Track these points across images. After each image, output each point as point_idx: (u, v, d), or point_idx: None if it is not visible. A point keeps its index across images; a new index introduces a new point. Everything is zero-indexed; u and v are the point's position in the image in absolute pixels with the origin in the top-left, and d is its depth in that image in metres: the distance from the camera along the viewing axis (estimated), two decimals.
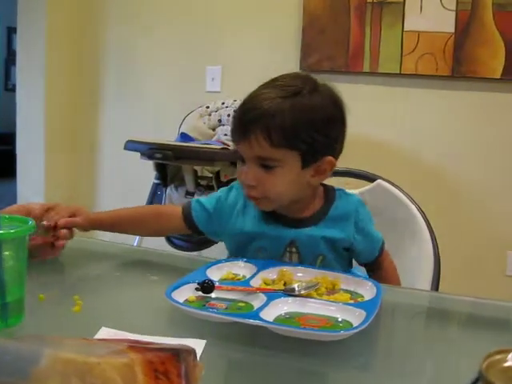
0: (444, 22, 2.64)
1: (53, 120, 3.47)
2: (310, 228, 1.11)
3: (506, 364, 0.37)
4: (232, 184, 1.22)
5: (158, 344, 0.49)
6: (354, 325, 0.77)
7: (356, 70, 2.83)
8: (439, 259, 1.35)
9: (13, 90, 7.46)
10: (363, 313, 0.79)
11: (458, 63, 2.63)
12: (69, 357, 0.41)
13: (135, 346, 0.46)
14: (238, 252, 1.16)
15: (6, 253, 0.75)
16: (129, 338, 0.71)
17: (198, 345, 0.71)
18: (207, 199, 1.20)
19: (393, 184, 1.47)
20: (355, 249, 1.14)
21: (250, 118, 1.04)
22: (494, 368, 0.37)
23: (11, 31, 8.10)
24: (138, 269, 1.12)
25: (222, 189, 1.22)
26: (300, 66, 2.92)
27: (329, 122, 1.06)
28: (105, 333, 0.76)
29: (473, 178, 2.68)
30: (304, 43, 2.91)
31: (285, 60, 2.97)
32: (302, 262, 1.10)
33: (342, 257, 1.15)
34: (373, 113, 2.75)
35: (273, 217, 1.13)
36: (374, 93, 2.81)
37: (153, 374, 0.40)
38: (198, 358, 0.52)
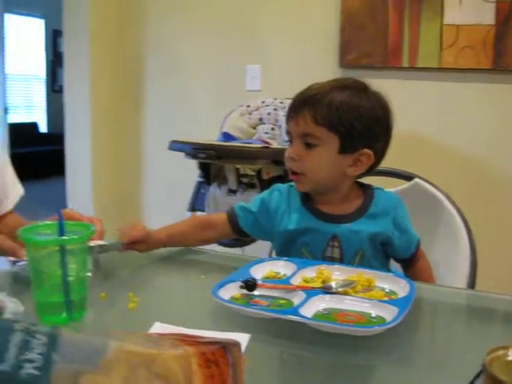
0: (484, 15, 2.61)
1: (98, 121, 3.56)
2: (351, 223, 1.19)
3: (508, 358, 0.43)
4: (273, 186, 1.30)
5: (207, 338, 0.55)
6: (388, 320, 0.83)
7: (395, 65, 2.83)
8: (476, 258, 1.37)
9: (60, 91, 7.71)
10: (396, 309, 0.85)
11: (499, 56, 2.59)
12: (133, 348, 0.49)
13: (188, 340, 0.53)
14: (283, 249, 1.24)
15: (70, 256, 0.83)
16: (179, 332, 0.78)
17: (243, 339, 0.78)
18: (251, 203, 1.29)
19: (430, 183, 1.50)
20: (392, 244, 1.21)
21: (302, 99, 1.18)
22: (498, 361, 0.43)
23: (57, 34, 8.33)
24: (186, 268, 1.20)
25: (264, 192, 1.30)
26: (339, 63, 2.93)
27: (373, 118, 1.16)
28: (158, 327, 0.84)
29: None
30: (342, 40, 2.91)
31: (323, 57, 2.98)
32: (342, 257, 1.17)
33: (380, 252, 1.22)
34: (412, 109, 2.75)
35: (316, 214, 1.20)
36: (413, 88, 2.80)
37: (205, 363, 0.47)
38: (242, 350, 0.58)
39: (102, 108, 3.58)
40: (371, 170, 1.23)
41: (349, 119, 1.14)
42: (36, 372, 0.41)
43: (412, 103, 2.76)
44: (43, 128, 8.74)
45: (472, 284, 1.35)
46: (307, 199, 1.23)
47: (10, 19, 7.67)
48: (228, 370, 0.48)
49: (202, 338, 0.55)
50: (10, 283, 1.01)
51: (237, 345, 0.54)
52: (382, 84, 2.90)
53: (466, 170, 2.73)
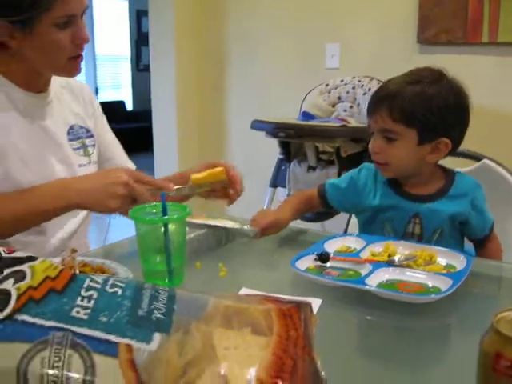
0: None
1: (184, 99, 3.66)
2: (433, 203, 1.29)
3: (510, 318, 0.54)
4: (362, 165, 1.43)
5: (285, 298, 0.70)
6: (442, 290, 0.95)
7: (475, 41, 2.81)
8: None
9: (144, 69, 7.97)
10: (451, 281, 0.96)
11: None
12: (227, 303, 0.64)
13: (269, 299, 0.67)
14: (367, 223, 1.38)
15: (171, 231, 1.00)
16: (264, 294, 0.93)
17: (316, 302, 0.92)
18: (340, 179, 1.44)
19: (499, 164, 1.55)
20: (470, 224, 1.31)
21: (378, 97, 1.28)
22: (504, 320, 0.54)
23: (141, 14, 8.57)
24: (269, 242, 1.33)
25: (353, 170, 1.43)
26: (417, 39, 2.93)
27: (446, 108, 1.24)
28: (245, 291, 0.99)
29: None
30: (421, 16, 2.90)
31: (402, 34, 2.98)
32: (422, 234, 1.29)
33: (457, 231, 1.32)
34: (492, 84, 2.73)
35: (400, 193, 1.33)
36: (493, 64, 2.77)
37: (282, 316, 0.61)
38: (314, 311, 0.72)
39: (186, 86, 3.68)
40: (450, 154, 1.32)
41: (423, 113, 1.23)
42: (162, 317, 0.58)
43: (492, 80, 2.73)
44: (129, 106, 9.08)
45: None
46: (392, 179, 1.34)
47: (96, 2, 7.94)
48: (300, 323, 0.62)
49: (280, 298, 0.69)
50: (121, 253, 1.18)
51: (308, 305, 0.68)
52: (462, 60, 2.89)
53: None
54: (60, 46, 1.21)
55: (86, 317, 0.56)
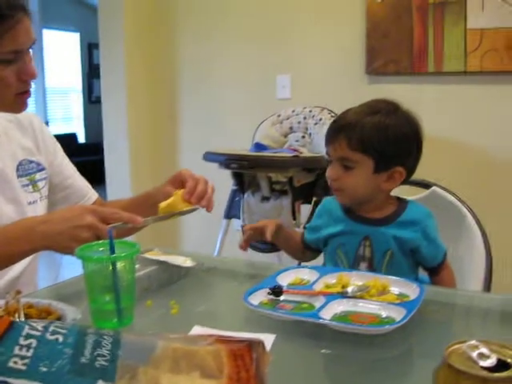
0: (507, 18, 2.63)
1: (136, 130, 3.65)
2: (383, 227, 1.32)
3: (461, 351, 0.54)
4: (323, 200, 1.48)
5: (236, 337, 0.68)
6: (396, 320, 0.94)
7: (420, 70, 2.87)
8: (491, 264, 1.47)
9: (96, 102, 7.89)
10: (405, 310, 0.96)
11: None
12: (177, 346, 0.61)
13: (220, 339, 0.65)
14: (325, 252, 1.42)
15: (119, 269, 0.97)
16: (215, 333, 0.90)
17: (269, 338, 0.90)
18: (312, 220, 1.48)
19: (448, 191, 1.58)
20: (421, 252, 1.33)
21: (337, 126, 1.32)
22: (455, 353, 0.54)
23: (92, 47, 8.56)
24: (220, 276, 1.32)
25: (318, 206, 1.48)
26: (365, 70, 3.00)
27: (401, 138, 1.29)
28: (197, 330, 0.97)
29: None
30: (368, 47, 2.97)
31: (351, 65, 3.04)
32: (373, 256, 1.32)
33: (410, 258, 1.35)
34: (438, 112, 2.79)
35: (353, 217, 1.36)
36: (439, 92, 2.85)
37: (233, 357, 0.59)
38: (268, 348, 0.70)
39: (138, 118, 3.67)
40: (404, 183, 1.36)
41: (380, 143, 1.27)
42: (106, 363, 0.55)
43: (438, 108, 2.80)
44: (81, 138, 8.97)
45: (488, 289, 1.45)
46: (346, 206, 1.38)
47: (47, 34, 7.90)
48: (252, 363, 0.61)
49: (232, 337, 0.67)
50: (71, 292, 1.14)
51: (261, 343, 0.66)
52: (408, 90, 2.96)
53: (492, 175, 2.75)
54: (6, 84, 1.17)
55: (24, 367, 0.53)
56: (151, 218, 1.21)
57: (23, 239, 1.13)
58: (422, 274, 1.41)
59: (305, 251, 1.48)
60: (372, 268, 1.33)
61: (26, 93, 1.23)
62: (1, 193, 1.28)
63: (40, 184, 1.39)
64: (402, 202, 1.38)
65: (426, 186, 1.61)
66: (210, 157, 2.72)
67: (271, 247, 2.60)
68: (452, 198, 1.57)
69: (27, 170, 1.37)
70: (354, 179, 1.30)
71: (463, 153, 2.82)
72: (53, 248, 1.15)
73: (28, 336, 0.55)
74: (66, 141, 8.08)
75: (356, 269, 1.32)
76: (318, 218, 1.44)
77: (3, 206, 1.28)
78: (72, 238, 1.10)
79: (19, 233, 1.15)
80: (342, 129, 1.30)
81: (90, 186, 1.55)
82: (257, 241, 1.41)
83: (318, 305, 1.02)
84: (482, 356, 0.52)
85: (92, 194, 1.54)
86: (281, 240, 1.45)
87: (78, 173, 1.54)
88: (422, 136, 1.33)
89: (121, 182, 3.73)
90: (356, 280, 1.13)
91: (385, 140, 1.28)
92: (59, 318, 0.95)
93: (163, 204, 1.24)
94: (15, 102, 1.23)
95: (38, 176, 1.39)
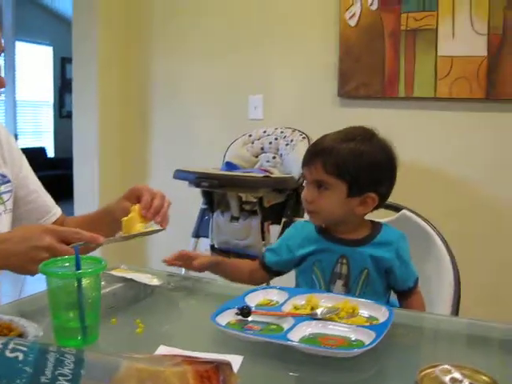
0: (476, 47, 2.69)
1: (106, 146, 3.62)
2: (359, 247, 1.35)
3: (434, 375, 0.53)
4: (293, 223, 1.52)
5: (203, 358, 0.66)
6: (365, 344, 0.94)
7: (391, 95, 2.91)
8: (459, 287, 1.48)
9: (67, 116, 7.83)
10: (374, 334, 0.95)
11: (492, 86, 2.66)
12: (141, 366, 0.59)
13: (187, 360, 0.63)
14: (299, 270, 1.42)
15: (85, 286, 0.94)
16: (181, 353, 0.88)
17: (236, 360, 0.89)
18: (275, 243, 1.49)
19: (417, 214, 1.61)
20: (394, 273, 1.35)
21: (314, 151, 1.37)
22: (427, 378, 0.53)
23: (65, 61, 8.51)
24: (188, 296, 1.30)
25: (286, 229, 1.51)
26: (338, 93, 3.03)
27: (374, 165, 1.33)
28: (163, 349, 0.95)
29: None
30: (341, 71, 3.00)
31: (323, 88, 3.06)
32: (349, 274, 1.34)
33: (383, 277, 1.37)
34: (407, 137, 2.82)
35: (328, 238, 1.38)
36: (409, 117, 2.89)
37: (200, 379, 0.58)
38: (235, 370, 0.69)
39: (109, 134, 3.65)
40: (378, 208, 1.40)
41: (355, 168, 1.31)
42: (68, 383, 0.53)
43: (408, 132, 2.83)
44: (50, 153, 8.87)
45: (456, 312, 1.46)
46: (321, 228, 1.41)
47: (20, 47, 7.83)
48: None
49: (198, 358, 0.66)
50: (34, 308, 1.11)
51: (228, 364, 0.65)
52: (379, 113, 3.00)
53: (460, 198, 2.78)
54: None
55: None
56: (113, 237, 1.20)
57: None
58: (393, 298, 1.42)
59: (253, 275, 1.48)
60: (347, 286, 1.35)
61: None
62: None
63: (5, 196, 1.36)
64: (375, 225, 1.41)
65: (395, 208, 1.62)
66: (180, 175, 2.70)
67: None
68: (421, 221, 1.59)
69: None
70: (328, 201, 1.34)
71: (433, 176, 2.85)
72: (10, 268, 1.12)
73: None
74: (35, 154, 8.09)
75: (332, 286, 1.35)
76: (286, 239, 1.45)
77: None
78: (30, 259, 1.08)
79: None
80: (318, 153, 1.34)
81: (53, 203, 1.52)
82: (181, 266, 1.42)
83: (286, 326, 1.01)
84: (454, 381, 0.51)
85: (56, 211, 1.51)
86: (220, 273, 1.48)
87: (42, 188, 1.51)
88: (396, 164, 1.37)
89: (89, 197, 3.70)
90: (325, 302, 1.12)
91: (359, 166, 1.31)
92: (21, 335, 0.92)
93: (126, 220, 1.23)
94: None
95: (2, 188, 1.36)
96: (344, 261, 1.35)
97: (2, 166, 1.38)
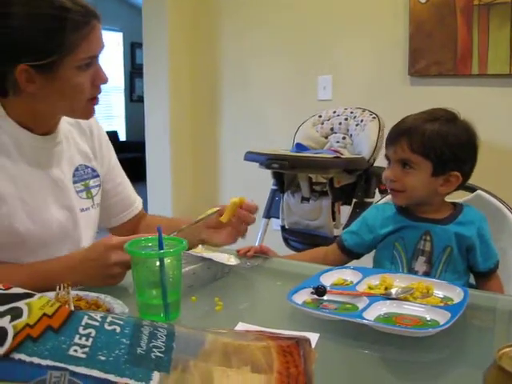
0: None
1: (177, 129, 3.72)
2: (443, 225, 1.38)
3: None
4: (372, 205, 1.56)
5: (284, 334, 0.69)
6: (440, 324, 0.94)
7: (464, 73, 2.86)
8: None
9: (137, 101, 7.97)
10: (449, 314, 0.96)
11: None
12: (226, 340, 0.63)
13: (269, 336, 0.67)
14: (380, 248, 1.45)
15: (166, 265, 0.99)
16: (260, 330, 0.92)
17: (313, 337, 0.91)
18: (352, 225, 1.53)
19: (493, 195, 1.58)
20: (475, 251, 1.37)
21: (398, 130, 1.40)
22: (506, 356, 0.54)
23: (134, 46, 8.69)
24: (265, 275, 1.34)
25: (366, 210, 1.54)
26: (408, 71, 2.99)
27: (460, 145, 1.35)
28: (241, 327, 0.98)
29: None
30: (411, 49, 2.97)
31: (393, 66, 3.04)
32: (432, 251, 1.37)
33: (464, 257, 1.38)
34: (481, 116, 2.75)
35: (410, 217, 1.42)
36: (483, 95, 2.82)
37: (282, 353, 0.61)
38: (312, 346, 0.71)
39: (180, 117, 3.73)
40: (459, 189, 1.42)
41: (440, 147, 1.33)
42: (161, 355, 0.57)
43: (482, 111, 2.76)
44: (122, 136, 9.12)
45: None
46: (402, 209, 1.43)
47: None
48: (300, 359, 0.62)
49: (280, 334, 0.69)
50: (115, 286, 1.17)
51: (307, 340, 0.67)
52: (452, 92, 2.94)
53: None
54: (81, 89, 1.19)
55: (83, 355, 0.55)
56: (180, 228, 1.23)
57: (66, 277, 1.06)
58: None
59: (328, 260, 1.49)
60: (430, 263, 1.37)
61: (95, 99, 1.25)
62: (55, 199, 1.29)
63: (93, 191, 1.39)
64: (457, 206, 1.43)
65: (470, 189, 1.60)
66: (250, 156, 2.74)
67: (308, 247, 2.60)
68: (496, 202, 1.56)
69: (82, 175, 1.37)
70: (412, 180, 1.36)
71: (507, 156, 2.77)
72: (92, 285, 1.14)
73: (87, 326, 0.58)
74: (108, 138, 8.33)
75: (414, 262, 1.38)
76: (366, 220, 1.48)
77: (56, 212, 1.28)
78: (105, 277, 1.13)
79: (61, 271, 1.14)
80: (404, 133, 1.37)
81: (135, 194, 1.57)
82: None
83: (361, 306, 1.02)
84: None
85: (138, 204, 1.55)
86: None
87: (126, 178, 1.55)
88: (478, 143, 1.39)
89: (161, 179, 3.79)
90: (399, 282, 1.13)
91: (444, 145, 1.34)
92: (108, 311, 0.98)
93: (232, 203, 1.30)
94: (86, 107, 1.25)
95: (91, 182, 1.39)
96: (428, 237, 1.38)
97: (93, 159, 1.41)
